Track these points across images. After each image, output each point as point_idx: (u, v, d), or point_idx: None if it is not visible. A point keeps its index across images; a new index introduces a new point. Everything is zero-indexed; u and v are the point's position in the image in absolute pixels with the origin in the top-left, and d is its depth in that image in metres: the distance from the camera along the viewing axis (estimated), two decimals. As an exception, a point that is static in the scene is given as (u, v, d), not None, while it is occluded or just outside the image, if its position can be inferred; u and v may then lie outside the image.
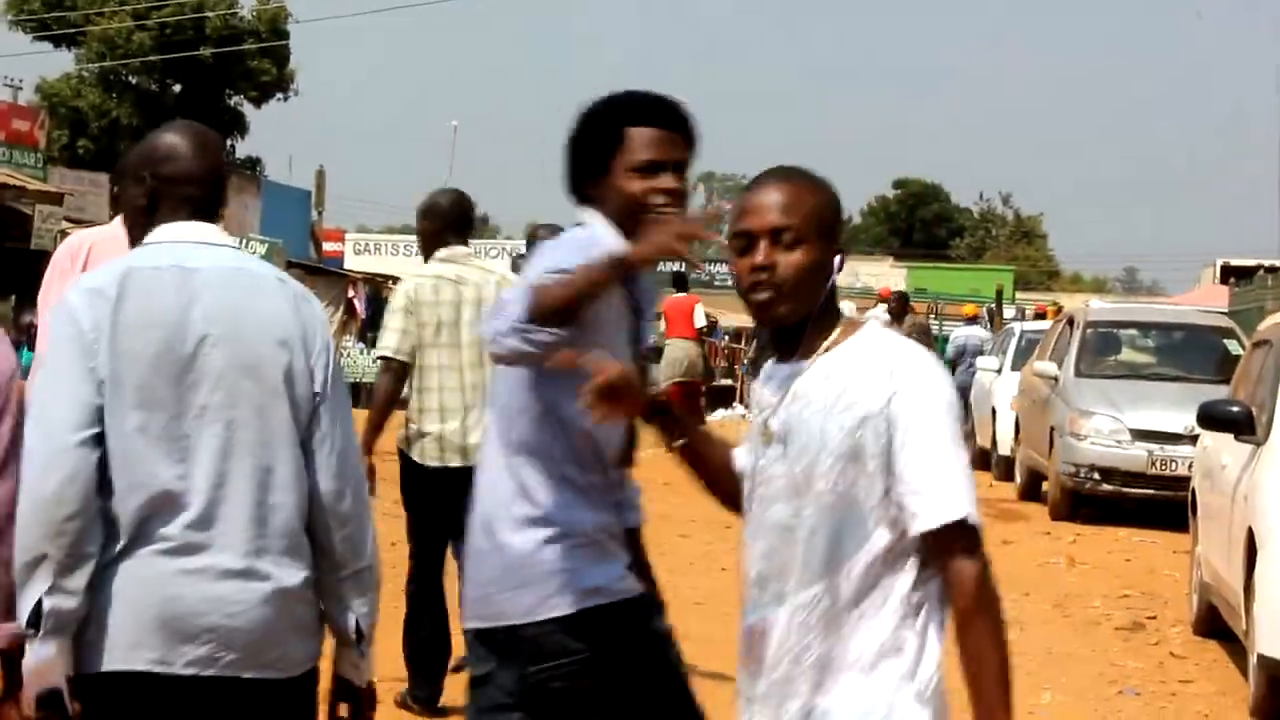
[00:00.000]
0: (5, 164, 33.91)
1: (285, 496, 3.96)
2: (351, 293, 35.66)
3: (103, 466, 3.81)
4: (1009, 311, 36.31)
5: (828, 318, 3.52)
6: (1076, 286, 75.60)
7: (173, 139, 4.11)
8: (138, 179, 4.12)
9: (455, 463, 7.96)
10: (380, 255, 50.90)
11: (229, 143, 52.23)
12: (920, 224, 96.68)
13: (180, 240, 4.02)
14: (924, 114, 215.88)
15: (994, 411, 22.15)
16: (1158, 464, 16.77)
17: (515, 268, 9.47)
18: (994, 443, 22.18)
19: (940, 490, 3.36)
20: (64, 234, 29.33)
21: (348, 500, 4.05)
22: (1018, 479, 20.12)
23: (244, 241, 31.69)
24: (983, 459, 22.76)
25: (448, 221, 8.20)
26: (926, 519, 3.35)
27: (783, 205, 3.47)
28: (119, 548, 3.84)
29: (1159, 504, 16.38)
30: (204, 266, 3.97)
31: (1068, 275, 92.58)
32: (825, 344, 3.50)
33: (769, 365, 3.63)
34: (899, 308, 24.05)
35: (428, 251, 8.24)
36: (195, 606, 3.85)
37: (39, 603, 3.77)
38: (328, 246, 49.12)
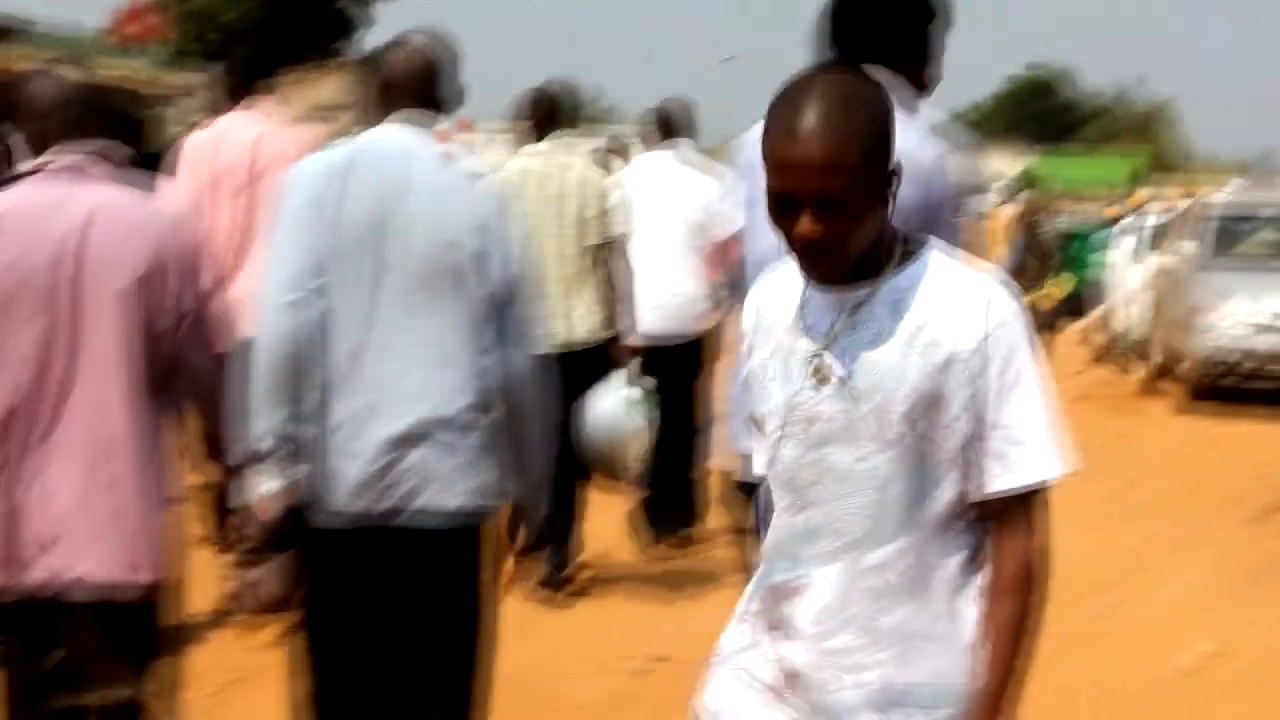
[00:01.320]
0: (136, 59, 34.38)
1: (460, 368, 4.49)
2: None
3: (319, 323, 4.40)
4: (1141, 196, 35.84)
5: (885, 238, 3.00)
6: (1211, 170, 74.42)
7: (393, 47, 4.69)
8: (369, 81, 4.69)
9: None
10: (491, 149, 50.99)
11: (340, 41, 52.52)
12: (1051, 109, 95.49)
13: (395, 135, 4.59)
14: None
15: (1126, 297, 22.00)
16: (1292, 349, 16.61)
17: (612, 150, 9.55)
18: (1126, 328, 22.01)
19: (1046, 442, 2.96)
20: (194, 126, 29.66)
21: (527, 373, 4.63)
22: (1150, 364, 19.92)
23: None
24: (1115, 345, 22.65)
25: (541, 114, 8.35)
26: (1028, 472, 2.96)
27: (827, 163, 2.81)
28: (321, 402, 4.41)
29: (1293, 389, 16.22)
30: (414, 157, 4.53)
31: (1202, 159, 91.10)
32: (887, 268, 3.00)
33: (805, 290, 3.07)
34: (1023, 187, 24.32)
35: (524, 144, 8.38)
36: (380, 462, 4.42)
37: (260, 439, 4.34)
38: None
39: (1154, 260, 20.89)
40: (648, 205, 8.96)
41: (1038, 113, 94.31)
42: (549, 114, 8.34)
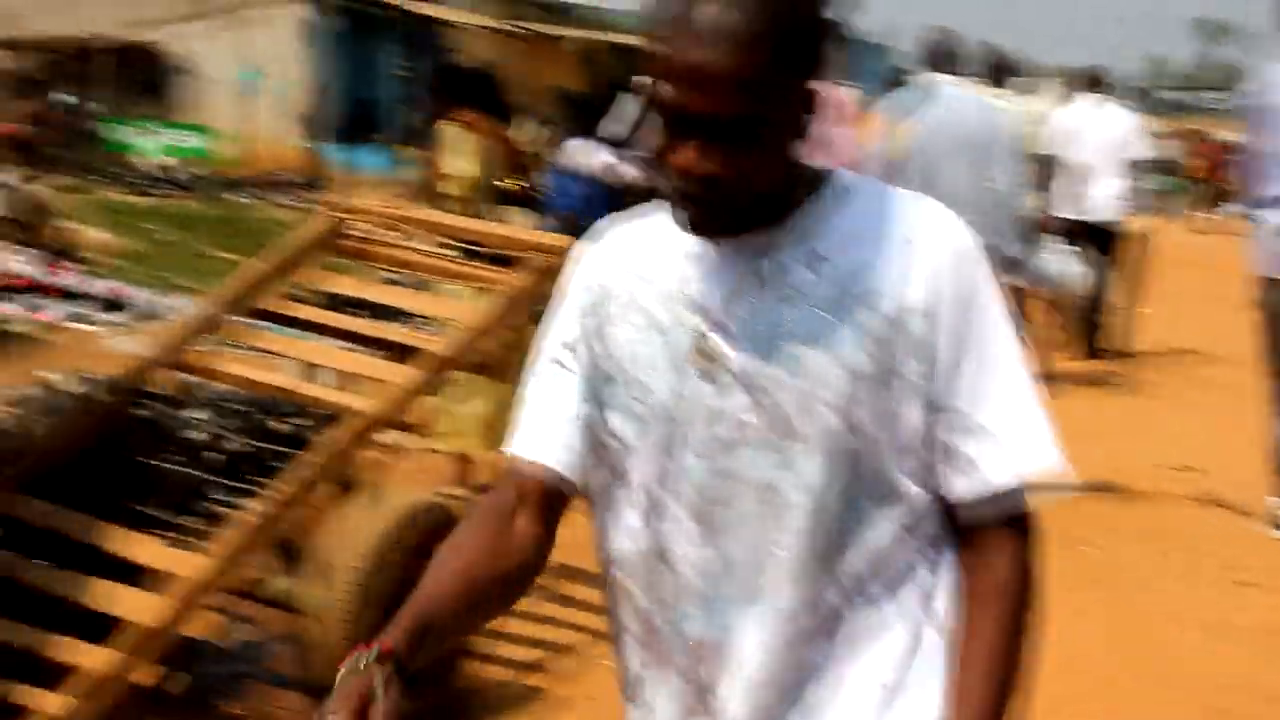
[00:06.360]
0: (433, 2, 34.35)
1: None
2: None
3: None
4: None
5: (791, 172, 1.72)
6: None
7: None
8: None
9: None
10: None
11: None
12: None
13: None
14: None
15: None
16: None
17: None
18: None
19: (1023, 432, 1.72)
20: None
21: None
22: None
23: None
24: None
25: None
26: (995, 473, 1.71)
27: (733, 77, 1.55)
28: None
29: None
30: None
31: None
32: (797, 206, 1.73)
33: (688, 243, 1.75)
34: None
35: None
36: None
37: None
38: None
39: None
40: (1086, 133, 10.60)
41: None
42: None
